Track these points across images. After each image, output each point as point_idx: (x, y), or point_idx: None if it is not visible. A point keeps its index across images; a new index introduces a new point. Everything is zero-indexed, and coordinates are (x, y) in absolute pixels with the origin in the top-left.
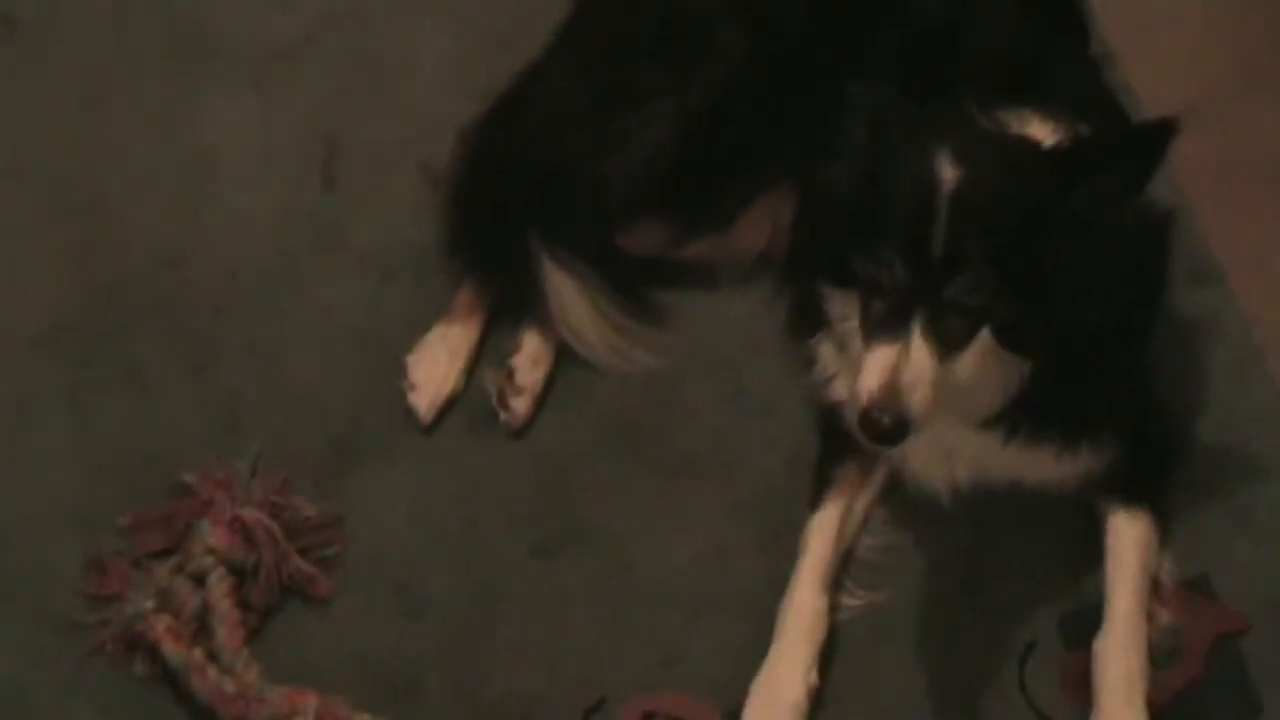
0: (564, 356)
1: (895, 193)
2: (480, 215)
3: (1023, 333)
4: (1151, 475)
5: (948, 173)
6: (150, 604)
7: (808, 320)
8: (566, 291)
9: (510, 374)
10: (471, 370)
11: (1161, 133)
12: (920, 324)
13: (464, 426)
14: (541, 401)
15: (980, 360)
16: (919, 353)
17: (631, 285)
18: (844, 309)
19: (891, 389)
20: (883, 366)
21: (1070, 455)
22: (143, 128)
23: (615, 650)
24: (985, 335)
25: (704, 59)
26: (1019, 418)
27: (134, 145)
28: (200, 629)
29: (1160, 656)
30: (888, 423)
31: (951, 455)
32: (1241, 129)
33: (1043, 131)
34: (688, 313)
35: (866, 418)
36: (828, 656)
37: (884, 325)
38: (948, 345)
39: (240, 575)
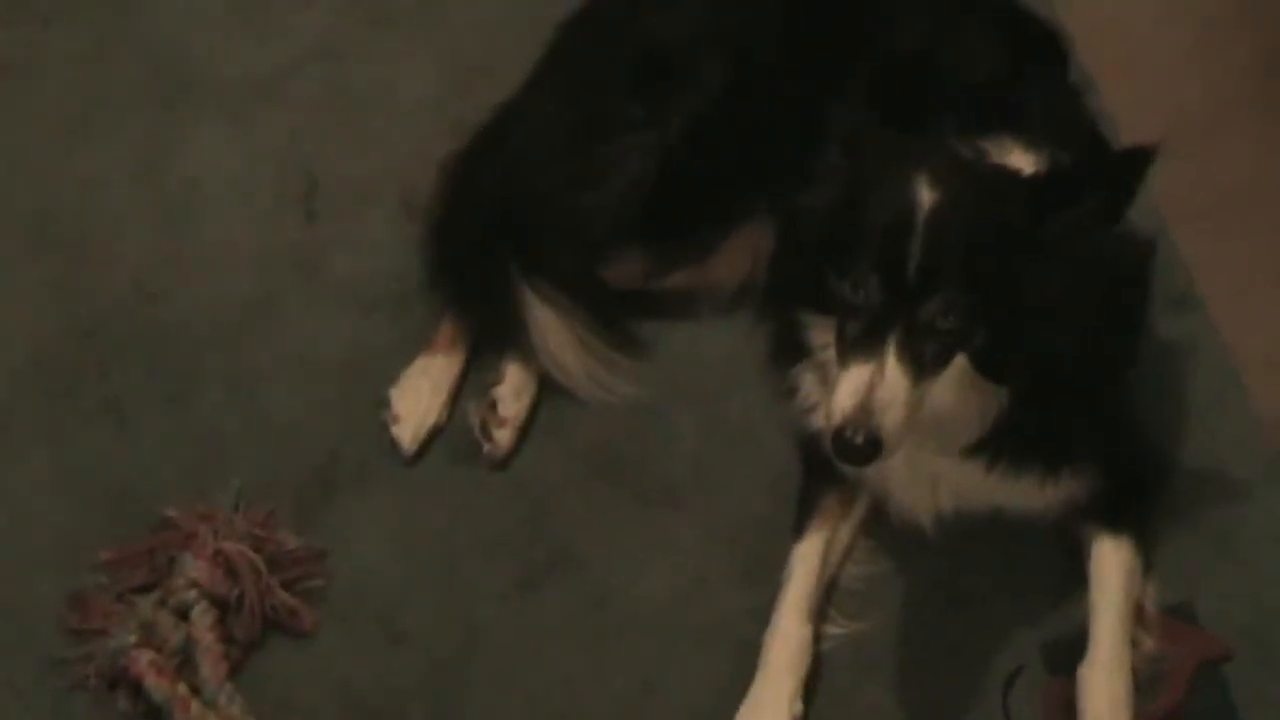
0: (546, 387)
1: (873, 213)
2: (461, 247)
3: (999, 360)
4: (1133, 502)
5: (925, 195)
6: (133, 638)
7: (789, 350)
8: (548, 323)
9: (493, 405)
10: (454, 402)
11: (1137, 160)
12: (895, 344)
13: (447, 458)
14: (524, 432)
15: (958, 388)
16: (893, 373)
17: (612, 316)
18: (824, 337)
19: (864, 409)
20: (856, 386)
21: (1052, 483)
22: (123, 162)
23: (597, 681)
24: (962, 362)
25: (682, 91)
26: (1001, 446)
27: (115, 179)
28: (184, 663)
29: (1144, 683)
30: (860, 441)
31: (935, 484)
32: (1221, 156)
33: (1023, 160)
34: (668, 343)
35: (839, 436)
36: (812, 686)
37: (859, 345)
38: (922, 367)
39: (223, 609)
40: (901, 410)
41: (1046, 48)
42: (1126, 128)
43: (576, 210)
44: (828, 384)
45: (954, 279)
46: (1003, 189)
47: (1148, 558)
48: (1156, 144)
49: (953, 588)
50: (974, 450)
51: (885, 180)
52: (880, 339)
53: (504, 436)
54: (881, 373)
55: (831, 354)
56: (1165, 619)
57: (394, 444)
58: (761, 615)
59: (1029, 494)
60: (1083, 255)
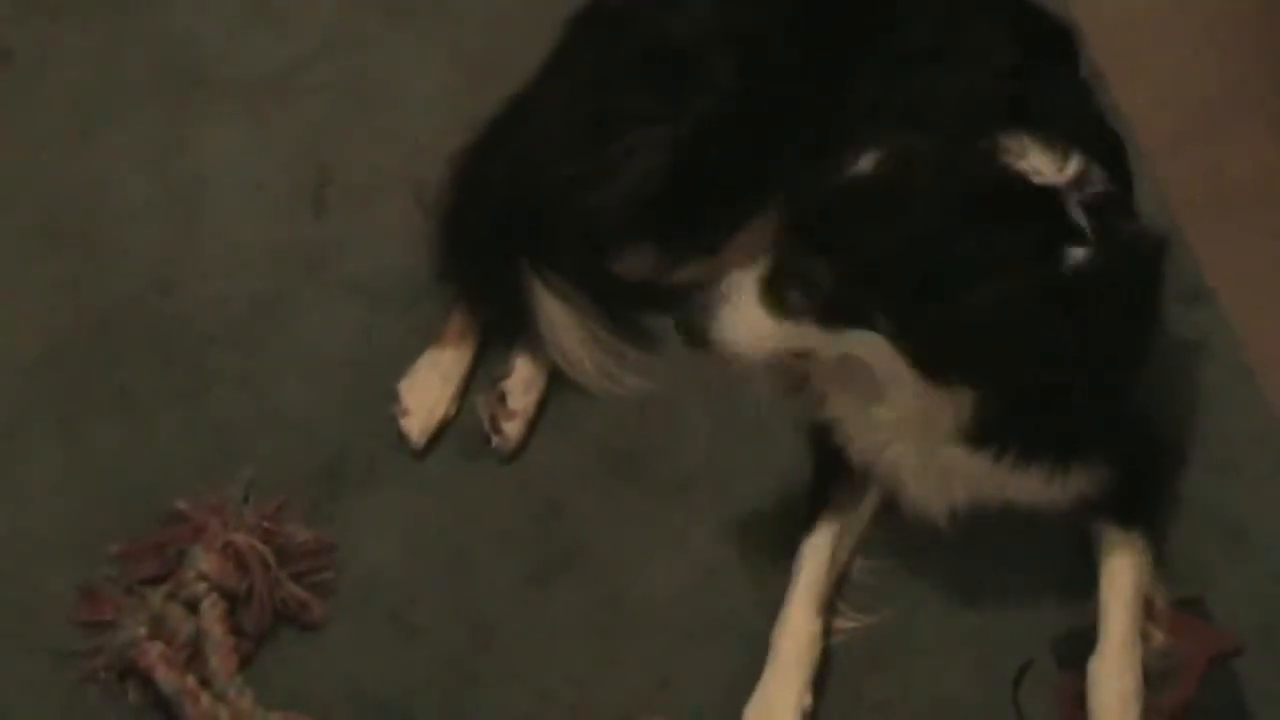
0: (556, 380)
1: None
2: (471, 241)
3: (932, 362)
4: (1145, 496)
5: (860, 168)
6: (143, 631)
7: None
8: (558, 316)
9: (502, 398)
10: (463, 395)
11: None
12: (763, 271)
13: (456, 451)
14: (533, 426)
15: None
16: (748, 293)
17: (623, 309)
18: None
19: (716, 304)
20: (729, 282)
21: (1060, 477)
22: (135, 156)
23: (609, 676)
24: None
25: (693, 86)
26: (1006, 439)
27: (126, 173)
28: (193, 655)
29: (1154, 678)
30: (692, 323)
31: (947, 476)
32: (1233, 149)
33: (1042, 159)
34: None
35: (680, 315)
36: (821, 679)
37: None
38: (784, 309)
39: (233, 601)
40: (741, 325)
41: (1058, 43)
42: (1139, 123)
43: (586, 204)
44: (837, 375)
45: (831, 251)
46: (936, 195)
47: (1159, 552)
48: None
49: (963, 581)
50: (979, 442)
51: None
52: (766, 260)
53: (513, 429)
54: (741, 287)
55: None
56: (1176, 613)
57: (403, 437)
58: (774, 609)
59: (1040, 488)
60: (1021, 280)
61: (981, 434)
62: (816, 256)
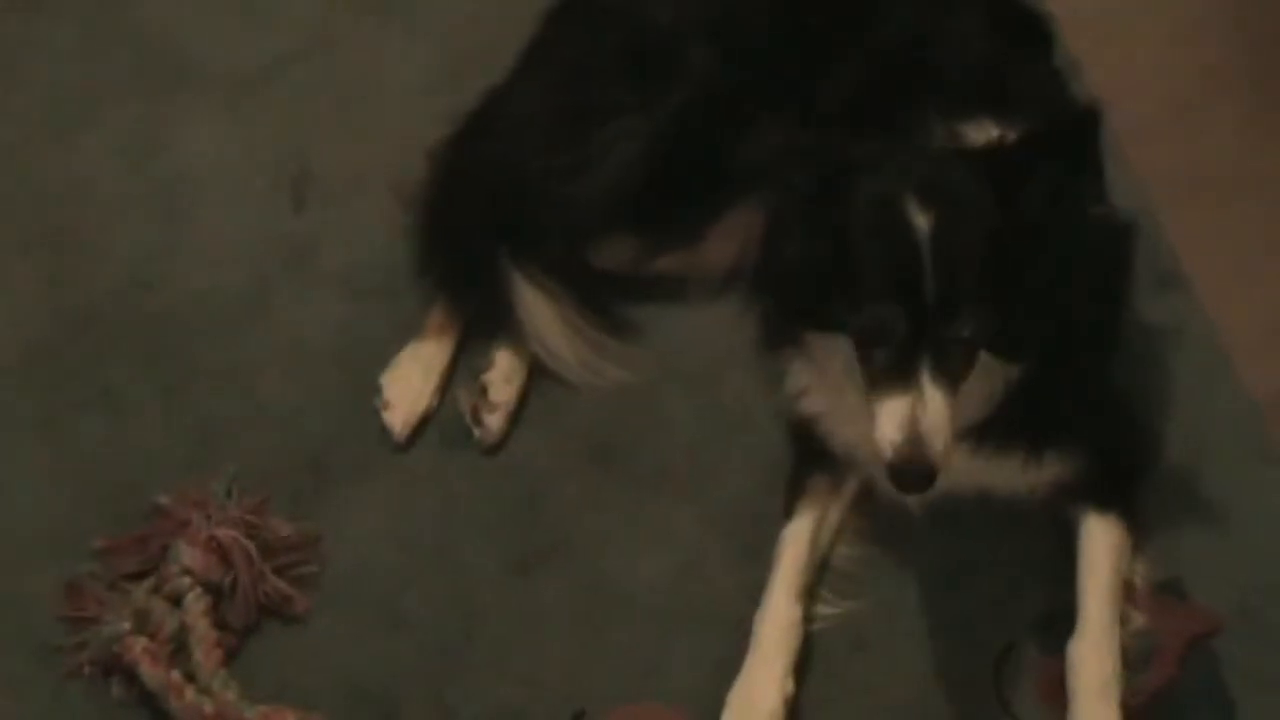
0: (537, 372)
1: (876, 250)
2: (451, 234)
3: (1012, 341)
4: (1122, 480)
5: (920, 220)
6: (127, 626)
7: (779, 334)
8: (538, 308)
9: (484, 391)
10: (445, 388)
11: (1086, 123)
12: (928, 370)
13: (438, 444)
14: (515, 418)
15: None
16: (934, 400)
17: (603, 301)
18: (830, 344)
19: (913, 441)
20: (900, 419)
21: (1036, 464)
22: (114, 152)
23: (593, 663)
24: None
25: (672, 77)
26: (985, 429)
27: (105, 170)
28: (178, 650)
29: (1134, 659)
30: (916, 473)
31: None
32: (1208, 138)
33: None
34: (659, 327)
35: (894, 471)
36: (803, 666)
37: (891, 375)
38: (954, 382)
39: (217, 595)
40: (948, 431)
41: (1033, 31)
42: (1114, 111)
43: (566, 196)
44: (820, 372)
45: (970, 291)
46: (976, 181)
47: (1137, 535)
48: (1098, 106)
49: (944, 567)
50: (962, 434)
51: (875, 209)
52: (913, 367)
53: (495, 422)
54: (923, 402)
55: (836, 360)
56: (1155, 595)
57: (386, 430)
58: (756, 596)
59: (1015, 475)
60: (1059, 225)
61: (974, 424)
62: (979, 311)
